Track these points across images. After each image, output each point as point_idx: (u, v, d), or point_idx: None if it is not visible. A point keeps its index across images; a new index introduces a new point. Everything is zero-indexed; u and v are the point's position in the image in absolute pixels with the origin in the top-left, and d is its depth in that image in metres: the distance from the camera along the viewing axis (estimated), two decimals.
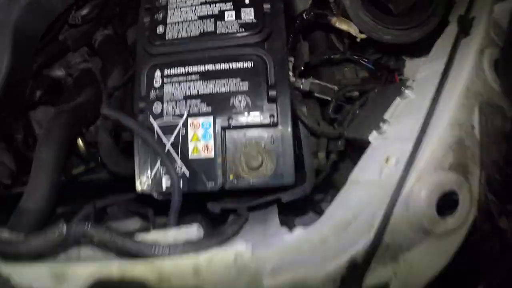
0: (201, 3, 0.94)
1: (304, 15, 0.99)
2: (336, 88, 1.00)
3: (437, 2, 0.91)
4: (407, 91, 0.81)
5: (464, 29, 0.76)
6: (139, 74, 0.92)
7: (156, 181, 0.88)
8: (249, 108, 0.87)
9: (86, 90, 1.15)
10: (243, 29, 0.91)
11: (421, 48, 1.00)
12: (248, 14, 0.92)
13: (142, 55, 0.94)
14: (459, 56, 0.73)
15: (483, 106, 0.67)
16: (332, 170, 1.03)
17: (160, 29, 0.93)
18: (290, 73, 0.98)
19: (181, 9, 0.94)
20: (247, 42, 0.91)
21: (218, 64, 0.90)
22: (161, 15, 0.94)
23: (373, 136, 0.83)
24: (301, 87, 0.98)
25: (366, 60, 1.09)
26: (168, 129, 0.89)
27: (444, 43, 0.83)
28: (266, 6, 0.94)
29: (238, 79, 0.88)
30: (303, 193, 0.95)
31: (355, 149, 0.93)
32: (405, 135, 0.71)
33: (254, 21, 0.91)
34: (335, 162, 1.01)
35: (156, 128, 0.89)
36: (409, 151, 0.64)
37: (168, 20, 0.93)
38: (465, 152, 0.64)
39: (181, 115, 0.89)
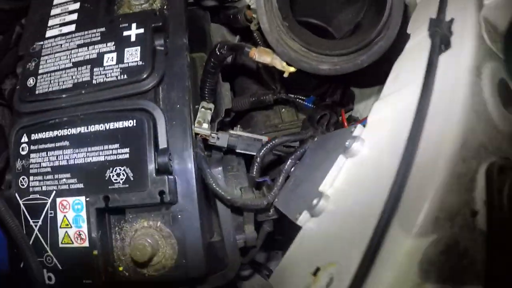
0: (78, 46, 0.73)
1: (216, 50, 0.76)
2: (264, 140, 0.76)
3: (390, 12, 0.64)
4: (354, 146, 0.56)
5: (442, 39, 0.48)
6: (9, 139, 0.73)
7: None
8: (131, 183, 0.65)
9: None
10: (125, 76, 0.69)
11: (375, 74, 0.74)
12: (132, 56, 0.70)
13: (14, 114, 0.75)
14: (440, 82, 0.45)
15: (493, 169, 0.41)
16: (269, 240, 0.78)
17: (30, 82, 0.73)
18: (205, 126, 0.75)
19: (55, 55, 0.73)
20: (131, 92, 0.69)
21: (92, 126, 0.68)
22: (33, 64, 0.74)
23: (303, 219, 0.58)
24: (216, 143, 0.75)
25: (303, 98, 0.83)
26: (35, 210, 0.69)
27: (408, 65, 0.57)
28: (158, 42, 0.72)
29: (116, 145, 0.66)
30: (224, 281, 0.73)
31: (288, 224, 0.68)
32: (347, 232, 0.46)
33: (141, 63, 0.69)
34: (270, 232, 0.76)
35: (22, 208, 0.69)
36: (353, 265, 0.38)
37: (40, 70, 0.73)
38: (456, 263, 0.38)
39: (48, 193, 0.68)
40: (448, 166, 0.37)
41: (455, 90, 0.42)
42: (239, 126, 0.84)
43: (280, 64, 0.72)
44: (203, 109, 0.80)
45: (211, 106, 0.81)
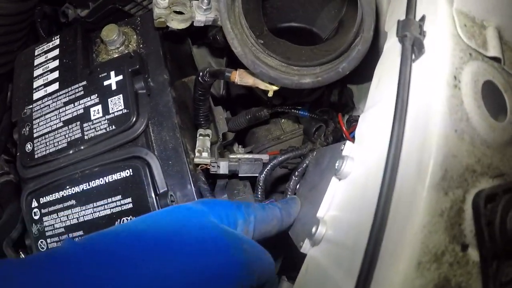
0: (65, 104, 0.73)
1: (199, 78, 0.74)
2: (264, 159, 0.75)
3: (363, 12, 0.61)
4: (344, 167, 0.54)
5: (415, 43, 0.44)
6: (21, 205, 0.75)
7: None
8: None
9: None
10: (113, 126, 0.69)
11: (369, 69, 0.71)
12: (116, 105, 0.70)
13: (20, 180, 0.77)
14: (415, 99, 0.42)
15: (479, 200, 0.38)
16: (288, 259, 0.78)
17: (28, 147, 0.74)
18: (204, 155, 0.74)
19: (46, 117, 0.74)
20: (122, 141, 0.69)
21: (92, 181, 0.69)
22: (27, 129, 0.75)
23: (306, 247, 0.57)
24: (217, 171, 0.74)
25: (298, 108, 0.81)
26: None
27: (386, 70, 0.53)
28: (139, 85, 0.71)
29: (119, 197, 0.67)
30: None
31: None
32: (344, 262, 0.45)
33: (125, 111, 0.69)
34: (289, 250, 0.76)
35: None
36: None
37: (35, 134, 0.74)
38: None
39: None
40: (427, 204, 0.35)
41: (430, 110, 0.39)
42: (240, 146, 0.83)
43: (263, 85, 0.70)
44: (201, 137, 0.79)
45: (209, 131, 0.80)
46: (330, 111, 0.80)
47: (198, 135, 0.80)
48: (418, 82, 0.43)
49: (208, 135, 0.79)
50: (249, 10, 0.71)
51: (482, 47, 0.45)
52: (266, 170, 0.72)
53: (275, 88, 0.69)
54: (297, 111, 0.80)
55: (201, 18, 0.76)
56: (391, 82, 0.50)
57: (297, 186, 0.72)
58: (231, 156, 0.76)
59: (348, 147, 0.56)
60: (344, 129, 0.76)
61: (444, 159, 0.37)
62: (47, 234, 0.71)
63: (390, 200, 0.37)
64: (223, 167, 0.74)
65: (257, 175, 0.74)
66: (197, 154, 0.75)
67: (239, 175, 0.75)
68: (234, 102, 0.98)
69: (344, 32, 0.73)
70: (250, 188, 0.78)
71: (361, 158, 0.53)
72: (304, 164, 0.71)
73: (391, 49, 0.54)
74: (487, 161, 0.40)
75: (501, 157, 0.40)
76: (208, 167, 0.74)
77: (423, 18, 0.46)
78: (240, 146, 0.84)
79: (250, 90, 0.73)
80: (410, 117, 0.41)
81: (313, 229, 0.54)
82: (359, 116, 0.83)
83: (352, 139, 0.77)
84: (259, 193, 0.73)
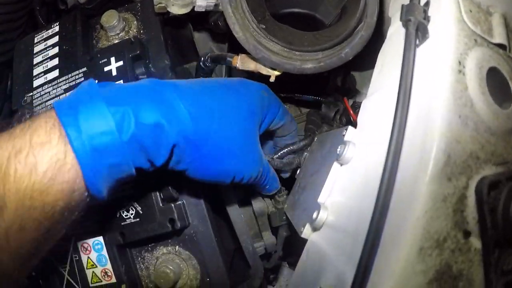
0: (65, 90, 0.72)
1: (201, 63, 0.74)
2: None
3: None
4: (345, 152, 0.53)
5: (419, 27, 0.43)
6: None
7: None
8: (141, 217, 0.66)
9: None
10: None
11: (372, 55, 0.70)
12: None
13: None
14: (419, 85, 0.41)
15: (482, 187, 0.37)
16: (288, 244, 0.78)
17: None
18: None
19: (46, 104, 0.73)
20: None
21: None
22: (28, 117, 0.75)
23: (307, 232, 0.57)
24: None
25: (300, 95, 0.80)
26: (60, 256, 0.71)
27: (390, 56, 0.53)
28: (139, 70, 0.71)
29: None
30: None
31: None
32: (345, 248, 0.45)
33: None
34: (289, 236, 0.76)
35: (49, 258, 0.72)
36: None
37: None
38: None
39: (68, 239, 0.70)
40: (430, 189, 0.34)
41: (434, 95, 0.38)
42: None
43: (264, 70, 0.70)
44: None
45: None
46: (335, 95, 0.79)
47: None
48: (422, 67, 0.42)
49: None
50: None
51: (487, 34, 0.45)
52: (281, 152, 0.71)
53: (277, 73, 0.69)
54: (300, 96, 0.80)
55: (202, 3, 0.75)
56: (394, 67, 0.50)
57: (297, 171, 0.72)
58: None
59: (350, 133, 0.56)
60: (351, 111, 0.75)
61: (448, 144, 0.37)
62: None
63: (392, 186, 0.37)
64: None
65: None
66: None
67: None
68: None
69: (347, 18, 0.72)
70: None
71: (363, 143, 0.52)
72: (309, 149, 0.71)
73: (395, 34, 0.54)
74: (491, 148, 0.40)
75: (505, 145, 0.40)
76: None
77: (427, 3, 0.45)
78: None
79: (252, 75, 0.72)
80: (413, 103, 0.40)
81: (314, 215, 0.54)
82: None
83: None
84: None
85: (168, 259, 0.68)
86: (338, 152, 0.54)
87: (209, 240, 0.68)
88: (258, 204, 0.72)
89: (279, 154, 0.71)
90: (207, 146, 0.55)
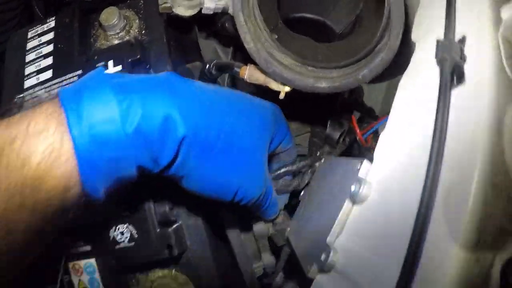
0: None
1: (205, 71, 0.69)
2: None
3: (389, 15, 0.54)
4: (360, 192, 0.49)
5: (454, 69, 0.38)
6: None
7: None
8: (136, 241, 0.62)
9: None
10: None
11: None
12: None
13: None
14: (453, 133, 0.36)
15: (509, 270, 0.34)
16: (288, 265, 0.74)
17: None
18: None
19: None
20: None
21: None
22: None
23: (313, 272, 0.53)
24: None
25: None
26: (51, 275, 0.68)
27: (414, 89, 0.47)
28: None
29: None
30: None
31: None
32: None
33: None
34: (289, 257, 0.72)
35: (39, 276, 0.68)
36: None
37: None
38: None
39: (59, 258, 0.67)
40: (457, 272, 0.30)
41: (470, 159, 0.33)
42: None
43: (274, 85, 0.64)
44: None
45: None
46: (343, 108, 0.74)
47: None
48: (457, 118, 0.37)
49: None
50: (264, 0, 0.64)
51: None
52: (277, 173, 0.67)
53: (287, 89, 0.63)
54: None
55: (210, 5, 0.69)
56: (420, 105, 0.45)
57: (302, 192, 0.68)
58: None
59: (365, 168, 0.51)
60: (358, 131, 0.70)
61: (480, 220, 0.32)
62: None
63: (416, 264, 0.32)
64: None
65: None
66: None
67: None
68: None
69: (363, 31, 0.66)
70: None
71: (380, 184, 0.48)
72: (313, 172, 0.66)
73: (422, 64, 0.48)
74: None
75: None
76: None
77: (463, 40, 0.40)
78: None
79: (258, 88, 0.67)
80: (446, 160, 0.35)
81: (323, 256, 0.50)
82: (368, 120, 0.77)
83: (365, 142, 0.72)
84: None
85: (164, 283, 0.64)
86: (352, 190, 0.49)
87: (207, 264, 0.65)
88: (259, 226, 0.68)
89: (276, 174, 0.67)
90: (215, 150, 0.51)
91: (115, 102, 0.43)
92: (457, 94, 0.39)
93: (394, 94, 0.51)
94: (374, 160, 0.50)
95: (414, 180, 0.41)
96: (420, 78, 0.47)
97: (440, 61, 0.39)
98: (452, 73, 0.39)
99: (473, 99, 0.36)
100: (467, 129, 0.35)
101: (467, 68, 0.39)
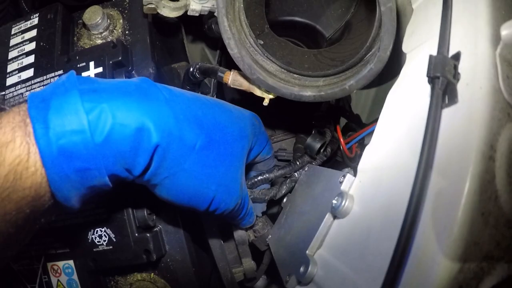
0: None
1: (189, 74, 0.65)
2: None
3: (380, 25, 0.51)
4: (341, 206, 0.45)
5: (446, 87, 0.35)
6: None
7: None
8: (115, 244, 0.58)
9: None
10: None
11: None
12: None
13: None
14: (443, 152, 0.33)
15: None
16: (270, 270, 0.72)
17: None
18: None
19: None
20: None
21: None
22: None
23: (292, 284, 0.50)
24: None
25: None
26: (30, 275, 0.64)
27: (401, 104, 0.44)
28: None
29: (92, 205, 0.59)
30: None
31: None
32: None
33: None
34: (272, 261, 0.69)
35: (19, 274, 0.65)
36: None
37: None
38: None
39: (38, 258, 0.63)
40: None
41: (457, 185, 0.30)
42: None
43: (258, 92, 0.60)
44: None
45: None
46: (328, 115, 0.70)
47: None
48: (446, 140, 0.34)
49: None
50: (251, 5, 0.60)
51: None
52: (253, 181, 0.64)
53: (271, 96, 0.60)
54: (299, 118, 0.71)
55: (196, 7, 0.65)
56: (408, 123, 0.42)
57: (284, 200, 0.65)
58: None
59: (347, 181, 0.48)
60: (342, 142, 0.67)
61: (465, 249, 0.29)
62: None
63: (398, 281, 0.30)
64: None
65: None
66: None
67: None
68: (226, 97, 0.88)
69: (352, 38, 0.63)
70: None
71: (363, 199, 0.45)
72: (295, 181, 0.63)
73: (412, 80, 0.45)
74: (506, 243, 0.32)
75: None
76: None
77: (457, 56, 0.36)
78: None
79: (243, 94, 0.63)
80: (432, 183, 0.32)
81: (302, 268, 0.47)
82: (354, 128, 0.74)
83: (349, 153, 0.69)
84: None
85: (142, 286, 0.61)
86: (333, 205, 0.46)
87: (186, 269, 0.61)
88: (239, 232, 0.65)
89: (252, 182, 0.63)
90: (189, 160, 0.47)
91: (83, 111, 0.39)
92: (448, 114, 0.35)
93: (382, 102, 0.48)
94: (357, 174, 0.47)
95: (397, 199, 0.38)
96: (409, 95, 0.44)
97: (432, 80, 0.35)
98: (444, 92, 0.35)
99: (465, 121, 0.33)
100: (457, 153, 0.32)
101: (460, 87, 0.35)
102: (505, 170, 0.31)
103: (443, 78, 0.33)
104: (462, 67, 0.35)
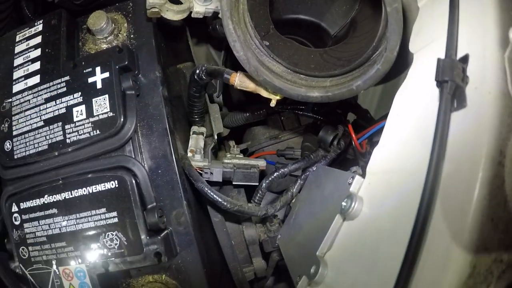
0: (46, 100, 0.63)
1: (195, 76, 0.65)
2: (260, 165, 0.67)
3: (386, 24, 0.50)
4: (351, 208, 0.45)
5: (455, 91, 0.35)
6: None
7: None
8: (126, 248, 0.59)
9: None
10: (97, 131, 0.60)
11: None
12: (101, 106, 0.60)
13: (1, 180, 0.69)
14: (452, 157, 0.33)
15: None
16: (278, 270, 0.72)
17: (7, 146, 0.65)
18: (197, 157, 0.67)
19: (26, 113, 0.64)
20: (106, 148, 0.60)
21: (75, 190, 0.60)
22: (6, 126, 0.66)
23: (302, 284, 0.51)
24: (210, 179, 0.66)
25: (301, 108, 0.72)
26: (42, 280, 0.65)
27: (409, 106, 0.44)
28: (126, 84, 0.61)
29: (103, 209, 0.59)
30: None
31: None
32: None
33: (111, 114, 0.60)
34: (280, 260, 0.70)
35: (30, 278, 0.66)
36: None
37: (14, 132, 0.64)
38: None
39: (50, 263, 0.64)
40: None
41: (468, 190, 0.30)
42: (235, 146, 0.75)
43: (265, 93, 0.61)
44: (194, 135, 0.71)
45: (203, 129, 0.71)
46: (337, 115, 0.70)
47: (191, 133, 0.72)
48: (455, 144, 0.34)
49: (202, 133, 0.71)
50: (255, 6, 0.60)
51: None
52: (271, 178, 0.64)
53: (278, 97, 0.60)
54: (300, 112, 0.71)
55: (200, 9, 0.65)
56: (416, 125, 0.41)
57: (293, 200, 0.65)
58: (225, 160, 0.68)
59: (357, 183, 0.48)
60: (354, 138, 0.67)
61: (475, 254, 0.29)
62: (29, 241, 0.64)
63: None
64: (216, 174, 0.65)
65: (252, 184, 0.66)
66: (189, 154, 0.67)
67: (234, 183, 0.67)
68: (233, 97, 0.88)
69: (358, 36, 0.62)
70: (244, 195, 0.70)
71: (372, 201, 0.45)
72: (303, 180, 0.64)
73: (418, 81, 0.44)
74: None
75: None
76: (200, 171, 0.66)
77: (466, 59, 0.36)
78: (235, 146, 0.75)
79: (250, 94, 0.64)
80: (442, 189, 0.32)
81: (312, 270, 0.48)
82: (364, 125, 0.74)
83: (361, 148, 0.69)
84: (256, 199, 0.66)
85: None
86: (343, 207, 0.46)
87: (197, 270, 0.62)
88: (250, 231, 0.66)
89: (270, 179, 0.64)
90: None
91: None
92: (456, 118, 0.35)
93: (389, 97, 0.48)
94: (366, 175, 0.48)
95: (407, 202, 0.38)
96: (417, 98, 0.44)
97: (441, 84, 0.35)
98: (453, 96, 0.35)
99: (474, 126, 0.32)
100: (466, 158, 0.32)
101: (469, 91, 0.35)
102: None
103: (452, 82, 0.33)
104: (470, 70, 0.35)
